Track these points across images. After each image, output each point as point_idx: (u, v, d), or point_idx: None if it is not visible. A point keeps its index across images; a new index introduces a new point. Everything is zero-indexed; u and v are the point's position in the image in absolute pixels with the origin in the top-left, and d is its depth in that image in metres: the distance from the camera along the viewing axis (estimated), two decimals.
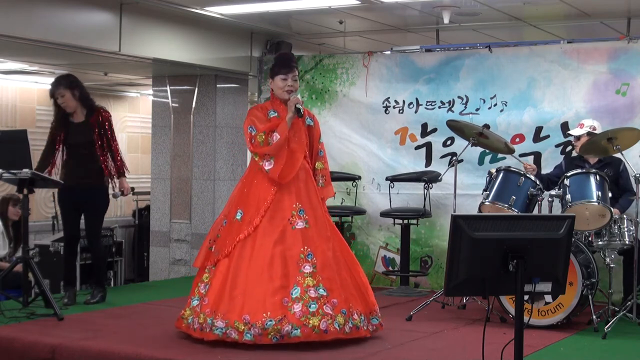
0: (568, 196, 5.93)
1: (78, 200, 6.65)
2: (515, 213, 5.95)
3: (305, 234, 5.22)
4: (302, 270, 5.09)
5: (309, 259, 5.14)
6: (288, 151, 5.32)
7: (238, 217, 5.31)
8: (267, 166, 5.27)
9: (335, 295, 5.10)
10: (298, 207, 5.28)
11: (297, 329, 4.91)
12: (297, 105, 5.33)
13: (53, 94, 6.64)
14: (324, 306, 5.01)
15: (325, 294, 5.06)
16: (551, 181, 6.53)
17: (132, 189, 6.94)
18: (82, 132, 6.61)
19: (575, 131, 6.61)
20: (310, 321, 4.93)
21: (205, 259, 5.39)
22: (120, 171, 6.71)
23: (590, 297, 5.89)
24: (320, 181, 5.56)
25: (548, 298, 5.78)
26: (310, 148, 5.54)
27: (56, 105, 6.67)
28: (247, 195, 5.37)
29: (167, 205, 9.21)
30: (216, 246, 5.35)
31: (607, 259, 6.07)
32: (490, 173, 6.32)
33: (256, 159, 5.34)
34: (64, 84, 6.61)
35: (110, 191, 6.77)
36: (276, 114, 5.41)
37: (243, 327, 4.93)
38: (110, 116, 6.75)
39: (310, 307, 4.97)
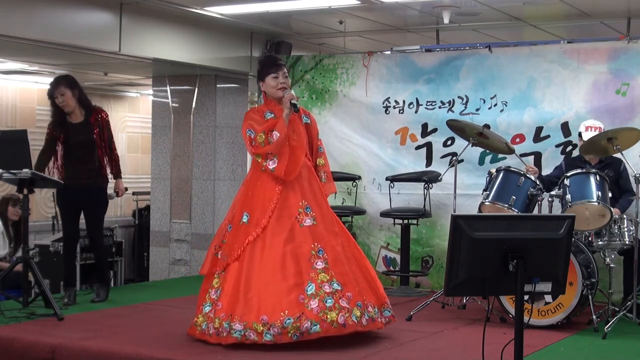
0: (568, 196, 5.92)
1: (77, 200, 6.66)
2: (515, 213, 5.94)
3: (314, 230, 5.22)
4: (314, 267, 5.09)
5: (320, 255, 5.15)
6: (290, 148, 5.32)
7: (244, 219, 5.30)
8: (272, 165, 5.26)
9: (349, 289, 5.11)
10: (304, 204, 5.28)
11: (316, 325, 4.91)
12: (292, 101, 5.33)
13: (52, 93, 6.67)
14: (340, 300, 5.02)
15: (339, 288, 5.06)
16: (551, 182, 6.51)
17: (126, 189, 6.99)
18: (82, 132, 6.63)
19: (588, 135, 6.49)
20: (329, 316, 4.94)
21: (212, 265, 5.37)
22: (118, 172, 6.79)
23: (590, 297, 5.89)
24: (323, 177, 5.57)
25: (548, 298, 5.78)
26: (310, 145, 5.54)
27: (54, 106, 6.69)
28: (251, 197, 5.36)
29: (167, 205, 9.21)
30: (223, 252, 5.33)
31: (607, 259, 6.06)
32: (490, 173, 6.32)
33: (259, 161, 5.31)
34: (64, 83, 6.66)
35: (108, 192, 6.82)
36: (272, 115, 5.40)
37: (262, 328, 4.91)
38: (108, 116, 6.80)
39: (326, 302, 4.97)
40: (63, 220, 6.89)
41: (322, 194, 5.45)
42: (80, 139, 6.63)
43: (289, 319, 4.90)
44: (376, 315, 5.22)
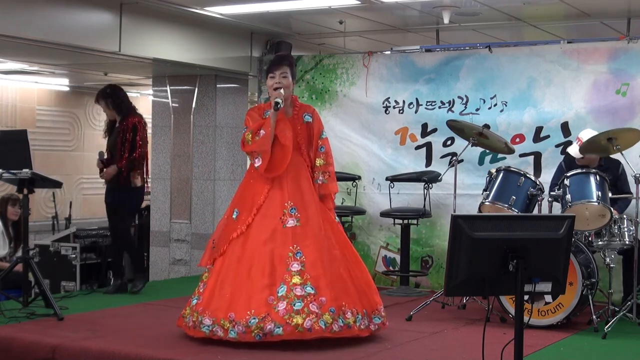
0: (568, 196, 5.92)
1: (111, 200, 7.20)
2: (515, 213, 5.95)
3: (296, 232, 5.21)
4: (289, 269, 5.08)
5: (298, 257, 5.13)
6: (278, 146, 5.33)
7: (234, 216, 5.38)
8: (257, 163, 5.36)
9: (323, 293, 5.05)
10: (290, 205, 5.29)
11: (279, 327, 4.90)
12: (275, 99, 5.34)
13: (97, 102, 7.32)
14: (310, 304, 4.98)
15: (312, 292, 5.02)
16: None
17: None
18: (114, 136, 7.12)
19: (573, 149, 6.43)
20: (294, 319, 4.91)
21: (209, 258, 5.43)
22: (123, 164, 7.02)
23: (590, 297, 5.89)
24: (321, 177, 5.54)
25: (548, 298, 5.78)
26: (309, 143, 5.54)
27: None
28: (243, 194, 5.45)
29: (167, 205, 9.21)
30: (216, 246, 5.39)
31: (607, 259, 6.06)
32: (490, 173, 6.32)
33: (250, 158, 5.45)
34: (99, 95, 7.21)
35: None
36: None
37: (228, 325, 4.98)
38: (137, 122, 7.13)
39: (294, 305, 4.95)
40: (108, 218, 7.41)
41: (312, 195, 5.40)
42: (111, 142, 7.15)
43: (254, 318, 4.93)
44: (357, 323, 5.12)
